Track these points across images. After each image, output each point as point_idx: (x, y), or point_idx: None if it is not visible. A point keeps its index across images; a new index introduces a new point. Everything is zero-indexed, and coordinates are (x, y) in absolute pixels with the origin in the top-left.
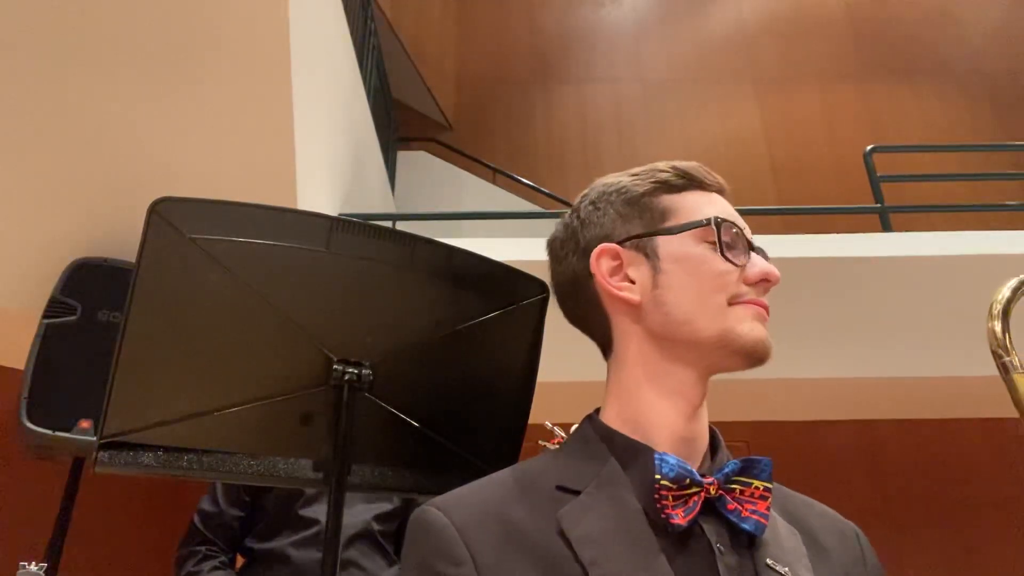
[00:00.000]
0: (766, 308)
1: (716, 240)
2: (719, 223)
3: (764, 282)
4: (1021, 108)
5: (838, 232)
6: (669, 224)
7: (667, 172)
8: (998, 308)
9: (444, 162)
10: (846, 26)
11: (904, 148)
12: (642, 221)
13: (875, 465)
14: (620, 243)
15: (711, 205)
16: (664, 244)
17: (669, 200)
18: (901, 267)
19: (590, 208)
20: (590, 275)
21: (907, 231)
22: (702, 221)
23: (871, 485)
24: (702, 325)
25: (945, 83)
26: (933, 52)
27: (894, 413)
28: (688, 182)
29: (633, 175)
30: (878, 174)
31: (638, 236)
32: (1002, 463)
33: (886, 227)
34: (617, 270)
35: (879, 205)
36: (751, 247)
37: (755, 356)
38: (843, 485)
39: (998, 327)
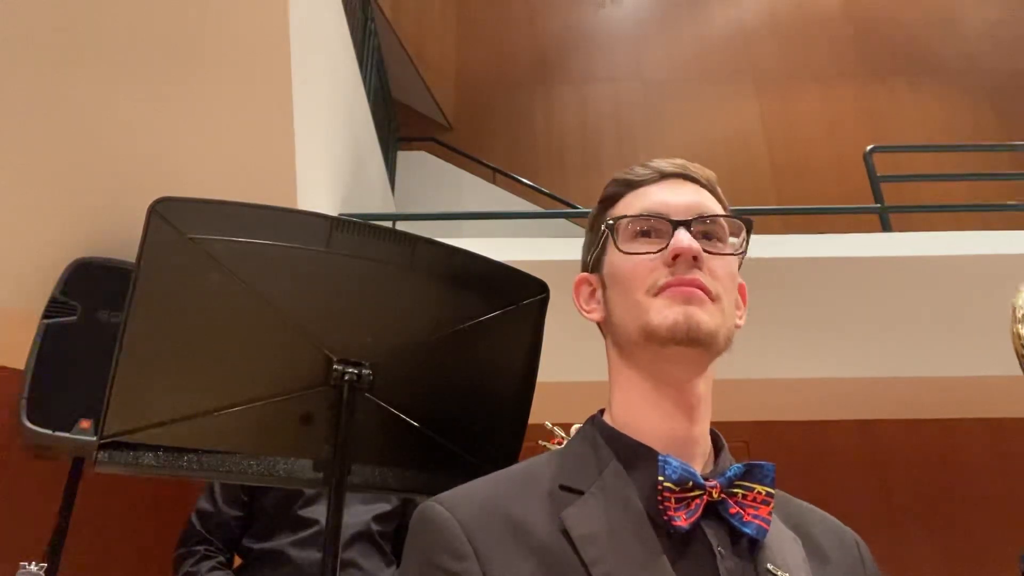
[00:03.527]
0: (690, 283)
1: (613, 241)
2: (610, 224)
3: (679, 259)
4: (1021, 108)
5: (838, 232)
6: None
7: (610, 186)
8: (1021, 312)
9: (444, 162)
10: (846, 26)
11: (904, 148)
12: (595, 244)
13: (876, 465)
14: (589, 269)
15: (635, 202)
16: (604, 259)
17: (609, 213)
18: (901, 267)
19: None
20: None
21: (907, 231)
22: (603, 229)
23: (872, 485)
24: (629, 326)
25: (945, 83)
26: (933, 52)
27: (895, 413)
28: (625, 187)
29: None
30: (878, 174)
31: (592, 259)
32: (1004, 463)
33: (886, 227)
34: (591, 295)
35: (879, 205)
36: (680, 223)
37: (679, 339)
38: (844, 485)
39: (1023, 331)
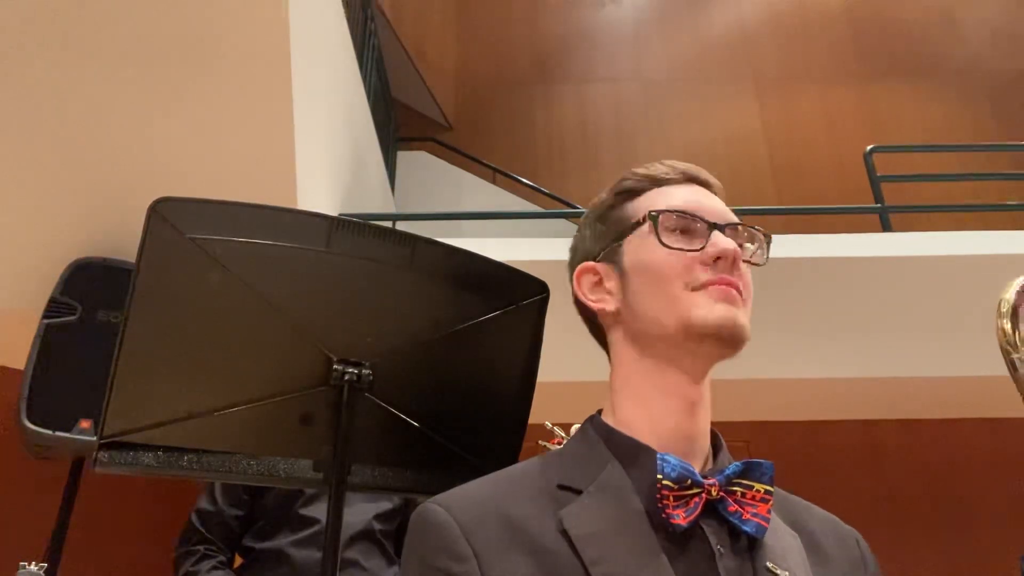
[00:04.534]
0: (731, 284)
1: (655, 232)
2: (654, 216)
3: (721, 260)
4: (1021, 108)
5: (838, 232)
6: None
7: (629, 179)
8: (1007, 307)
9: (444, 162)
10: (846, 26)
11: (904, 148)
12: (609, 232)
13: (876, 465)
14: (596, 259)
15: (664, 198)
16: (625, 250)
17: (631, 206)
18: (901, 267)
19: (577, 233)
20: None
21: (907, 231)
22: (640, 220)
23: (872, 485)
24: (665, 319)
25: (945, 83)
26: (933, 52)
27: (895, 413)
28: (649, 183)
29: (609, 188)
30: (878, 174)
31: (605, 247)
32: (1003, 463)
33: (886, 227)
34: (598, 285)
35: (879, 205)
36: (717, 226)
37: (723, 337)
38: (844, 485)
39: (1008, 325)
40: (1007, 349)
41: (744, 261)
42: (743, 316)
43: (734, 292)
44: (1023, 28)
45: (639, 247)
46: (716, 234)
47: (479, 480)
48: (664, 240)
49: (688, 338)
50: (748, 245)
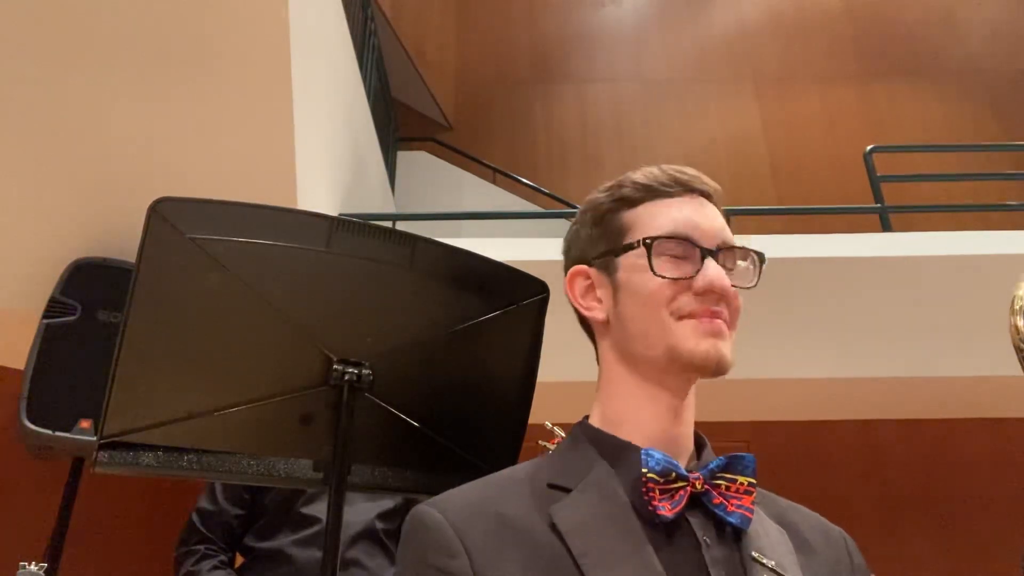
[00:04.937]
0: (716, 315)
1: (648, 259)
2: (648, 244)
3: (710, 292)
4: (1021, 108)
5: (838, 232)
6: (626, 242)
7: (627, 187)
8: (1020, 304)
9: (444, 162)
10: (846, 26)
11: (904, 148)
12: (605, 241)
13: (875, 465)
14: (590, 263)
15: (660, 214)
16: (620, 263)
17: (628, 216)
18: (901, 267)
19: (573, 228)
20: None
21: (907, 231)
22: (634, 244)
23: (871, 485)
24: (652, 342)
25: (945, 83)
26: (933, 52)
27: (894, 413)
28: (646, 193)
29: (606, 189)
30: (878, 174)
31: (600, 256)
32: (1004, 463)
33: (886, 227)
34: (589, 290)
35: (879, 205)
36: (711, 253)
37: (707, 371)
38: (843, 485)
39: (1021, 322)
40: (1020, 346)
41: (739, 287)
42: (727, 348)
43: (720, 325)
44: (1023, 28)
45: (632, 269)
46: (708, 262)
47: (472, 483)
48: (656, 269)
49: (672, 363)
50: (741, 262)
